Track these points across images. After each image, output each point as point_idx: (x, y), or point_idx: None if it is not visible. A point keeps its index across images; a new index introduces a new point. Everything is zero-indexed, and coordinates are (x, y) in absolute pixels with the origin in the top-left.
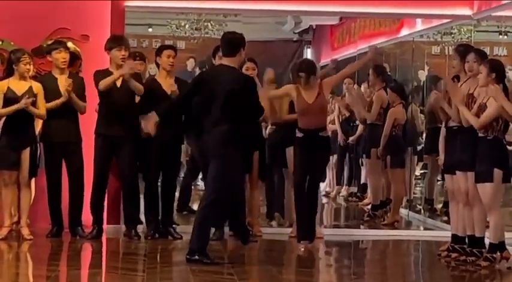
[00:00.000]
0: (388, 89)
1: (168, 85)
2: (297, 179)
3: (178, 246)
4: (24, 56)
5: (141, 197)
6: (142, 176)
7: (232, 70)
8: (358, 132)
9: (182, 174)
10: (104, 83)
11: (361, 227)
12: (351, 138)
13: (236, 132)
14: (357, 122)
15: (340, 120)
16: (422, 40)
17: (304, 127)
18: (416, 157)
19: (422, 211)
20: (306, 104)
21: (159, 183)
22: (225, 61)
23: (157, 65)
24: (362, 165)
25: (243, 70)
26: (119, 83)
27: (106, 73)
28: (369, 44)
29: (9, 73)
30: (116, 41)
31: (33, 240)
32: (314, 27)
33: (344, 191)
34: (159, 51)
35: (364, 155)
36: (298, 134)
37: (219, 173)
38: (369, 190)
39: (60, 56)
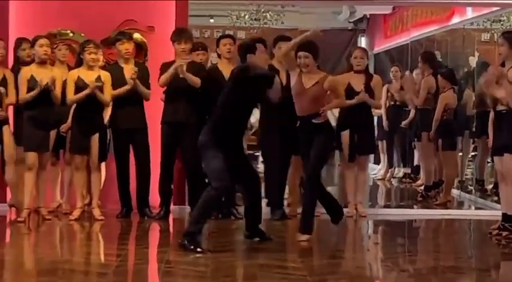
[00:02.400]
0: (438, 75)
1: (229, 73)
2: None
3: (240, 225)
4: (89, 46)
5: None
6: None
7: None
8: (410, 117)
9: None
10: (162, 79)
11: (415, 207)
12: (403, 123)
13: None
14: (409, 107)
15: (387, 105)
16: (472, 27)
17: (298, 114)
18: (471, 140)
19: (473, 191)
20: (302, 89)
21: None
22: None
23: (219, 54)
24: (414, 148)
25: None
26: (181, 73)
27: (171, 65)
28: (421, 32)
29: (79, 63)
30: (177, 34)
31: (104, 220)
32: (368, 16)
33: (400, 172)
34: (218, 41)
35: (416, 139)
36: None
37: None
38: (421, 172)
39: (123, 47)
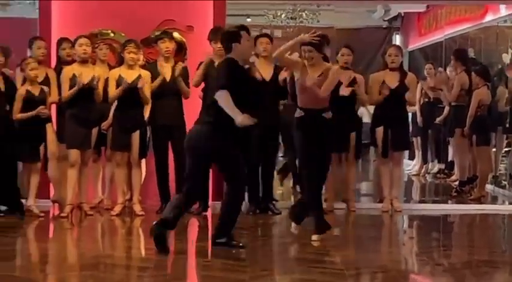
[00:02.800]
0: (472, 72)
1: (265, 71)
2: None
3: (277, 220)
4: (130, 46)
5: None
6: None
7: None
8: (444, 114)
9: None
10: (194, 80)
11: (449, 202)
12: (438, 119)
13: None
14: (443, 104)
15: (422, 102)
16: (506, 25)
17: (303, 106)
18: (504, 136)
19: (507, 186)
20: (305, 81)
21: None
22: None
23: (256, 53)
24: (449, 144)
25: None
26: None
27: (207, 64)
28: (455, 30)
29: (120, 62)
30: (213, 33)
31: (145, 216)
32: (402, 14)
33: (435, 168)
34: (255, 40)
35: (450, 135)
36: (298, 114)
37: None
38: (455, 167)
39: (164, 46)
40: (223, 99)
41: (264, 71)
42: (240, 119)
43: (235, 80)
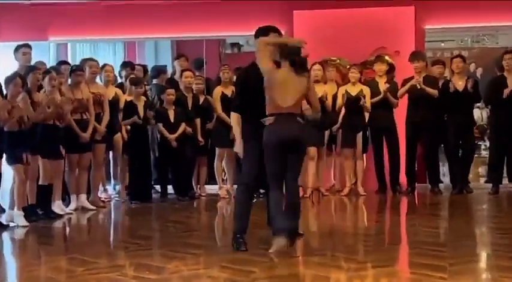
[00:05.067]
0: None
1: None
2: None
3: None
4: (352, 68)
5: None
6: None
7: None
8: None
9: None
10: (399, 93)
11: None
12: None
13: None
14: None
15: None
16: None
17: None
18: None
19: None
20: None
21: None
22: None
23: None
24: None
25: None
26: (419, 85)
27: (409, 80)
28: None
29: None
30: (412, 55)
31: (366, 195)
32: None
33: None
34: (451, 61)
35: None
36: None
37: None
38: None
39: (378, 68)
40: (232, 120)
41: (458, 85)
42: (237, 146)
43: (248, 87)
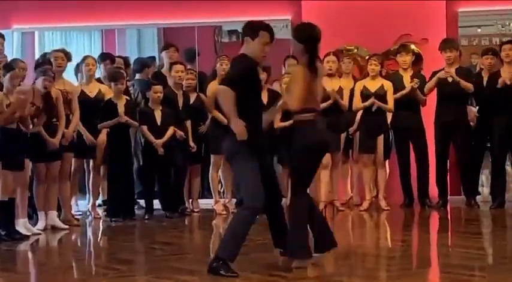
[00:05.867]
0: None
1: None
2: None
3: None
4: (372, 59)
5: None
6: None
7: None
8: None
9: None
10: (426, 88)
11: None
12: None
13: None
14: None
15: None
16: None
17: None
18: None
19: None
20: None
21: None
22: None
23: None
24: None
25: None
26: (450, 78)
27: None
28: None
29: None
30: (442, 44)
31: (390, 210)
32: None
33: None
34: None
35: None
36: None
37: None
38: None
39: (401, 59)
40: (225, 96)
41: (505, 76)
42: (235, 125)
43: (245, 79)
